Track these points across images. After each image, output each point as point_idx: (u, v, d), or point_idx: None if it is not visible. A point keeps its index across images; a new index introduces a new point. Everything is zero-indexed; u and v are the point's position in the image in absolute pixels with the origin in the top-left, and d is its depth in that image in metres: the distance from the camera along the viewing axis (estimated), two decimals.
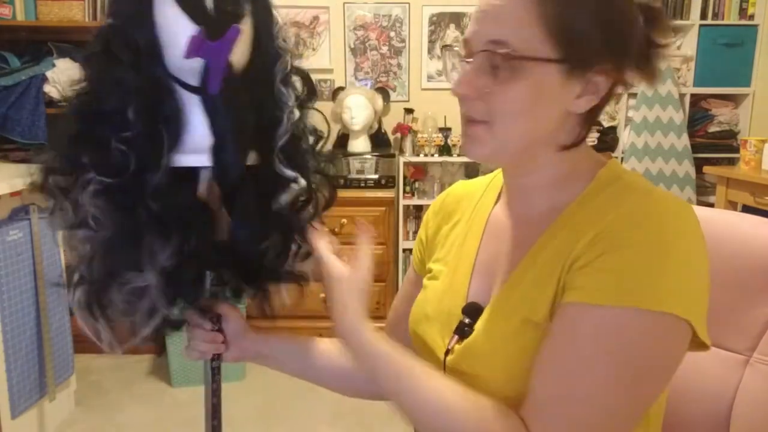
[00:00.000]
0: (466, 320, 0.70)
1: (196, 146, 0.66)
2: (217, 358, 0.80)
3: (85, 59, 0.68)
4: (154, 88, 0.64)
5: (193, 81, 0.64)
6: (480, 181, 0.86)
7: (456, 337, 0.71)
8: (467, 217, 0.82)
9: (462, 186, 0.89)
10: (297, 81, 0.75)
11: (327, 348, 0.87)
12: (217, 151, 0.66)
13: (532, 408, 0.60)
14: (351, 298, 0.69)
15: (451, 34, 3.14)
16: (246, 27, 0.66)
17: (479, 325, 0.69)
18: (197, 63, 0.63)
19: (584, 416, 0.58)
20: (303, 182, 0.72)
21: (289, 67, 0.71)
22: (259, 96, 0.69)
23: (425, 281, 0.83)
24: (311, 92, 0.77)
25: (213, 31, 0.63)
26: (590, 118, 0.68)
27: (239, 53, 0.66)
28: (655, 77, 0.68)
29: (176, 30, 0.63)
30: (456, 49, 0.70)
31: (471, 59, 0.65)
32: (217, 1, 0.65)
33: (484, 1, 0.64)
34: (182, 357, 2.40)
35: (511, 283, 0.68)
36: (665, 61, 0.71)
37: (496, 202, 0.80)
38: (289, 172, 0.71)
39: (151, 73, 0.64)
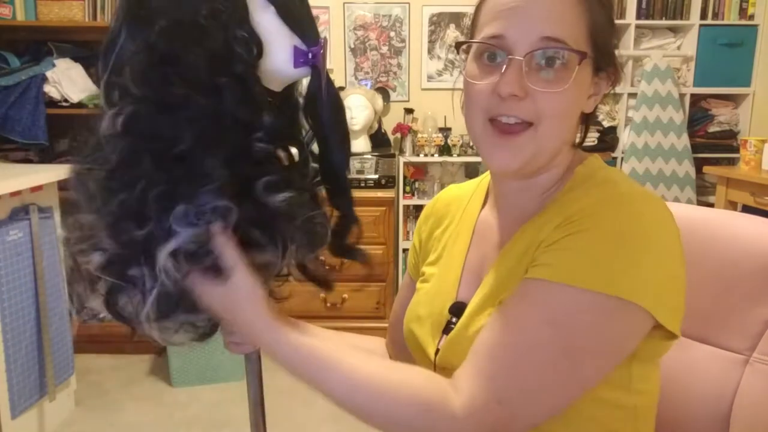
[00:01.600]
0: (453, 319, 0.72)
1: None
2: (255, 354, 0.78)
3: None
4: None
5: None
6: (469, 184, 0.87)
7: (444, 336, 0.72)
8: (457, 220, 0.82)
9: (451, 190, 0.89)
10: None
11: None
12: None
13: (463, 371, 0.59)
14: (249, 305, 0.59)
15: (451, 34, 3.14)
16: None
17: (461, 321, 0.70)
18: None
19: (513, 384, 0.57)
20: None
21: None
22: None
23: (418, 284, 0.84)
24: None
25: (310, 36, 0.63)
26: (589, 118, 0.72)
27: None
28: (621, 74, 0.72)
29: (278, 41, 0.62)
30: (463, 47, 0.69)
31: (513, 56, 0.62)
32: (306, 2, 0.65)
33: None
34: (182, 357, 2.41)
35: (488, 278, 0.70)
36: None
37: (483, 205, 0.80)
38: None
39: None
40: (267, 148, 0.61)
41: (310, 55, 0.63)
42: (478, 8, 0.68)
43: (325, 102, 0.66)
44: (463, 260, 0.77)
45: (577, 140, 0.72)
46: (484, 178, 0.84)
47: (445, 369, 0.70)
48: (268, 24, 0.61)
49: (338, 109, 0.68)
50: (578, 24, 0.63)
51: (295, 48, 0.62)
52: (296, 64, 0.62)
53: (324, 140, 0.68)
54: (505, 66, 0.62)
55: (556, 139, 0.66)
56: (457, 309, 0.72)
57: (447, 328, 0.72)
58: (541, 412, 0.59)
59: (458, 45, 0.71)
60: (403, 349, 0.84)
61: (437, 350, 0.73)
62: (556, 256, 0.60)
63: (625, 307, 0.57)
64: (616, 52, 0.69)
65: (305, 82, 0.68)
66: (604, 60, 0.66)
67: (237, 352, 0.75)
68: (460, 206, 0.84)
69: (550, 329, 0.57)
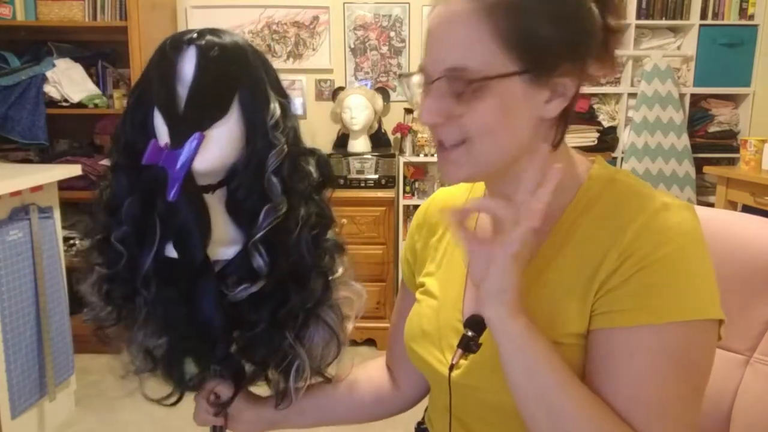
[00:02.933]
0: (470, 333, 0.68)
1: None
2: (219, 429, 0.85)
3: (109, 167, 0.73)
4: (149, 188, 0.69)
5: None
6: (460, 187, 0.84)
7: (459, 351, 0.68)
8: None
9: (443, 194, 0.87)
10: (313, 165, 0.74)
11: (337, 392, 0.87)
12: (181, 245, 0.70)
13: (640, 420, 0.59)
14: (497, 277, 0.60)
15: None
16: (226, 127, 0.67)
17: (487, 338, 0.67)
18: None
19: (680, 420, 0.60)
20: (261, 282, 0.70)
21: (280, 161, 0.69)
22: (249, 189, 0.70)
23: (418, 295, 0.81)
24: (326, 177, 0.76)
25: (177, 135, 0.65)
26: (564, 119, 0.67)
27: (211, 155, 0.66)
28: (616, 66, 0.68)
29: (160, 135, 0.67)
30: (414, 78, 0.67)
31: (426, 85, 0.63)
32: (189, 104, 0.65)
33: (433, 25, 0.63)
34: None
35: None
36: (622, 46, 0.70)
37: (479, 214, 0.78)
38: (260, 264, 0.69)
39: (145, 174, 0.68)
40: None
41: (158, 151, 0.65)
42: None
43: (173, 202, 0.67)
44: (465, 269, 0.75)
45: (551, 143, 0.67)
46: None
47: (466, 387, 0.69)
48: (155, 121, 0.69)
49: (195, 210, 0.70)
50: (485, 41, 0.59)
51: (152, 142, 0.65)
52: (145, 159, 0.64)
53: (179, 239, 0.70)
54: (422, 96, 0.65)
55: (497, 153, 0.64)
56: (475, 323, 0.68)
57: (463, 343, 0.68)
58: None
59: (401, 77, 0.73)
60: (406, 365, 0.82)
61: (451, 366, 0.69)
62: (647, 293, 0.60)
63: (712, 324, 0.61)
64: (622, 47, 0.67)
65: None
66: (545, 65, 0.61)
67: (202, 424, 0.84)
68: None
69: (681, 373, 0.60)
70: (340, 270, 0.80)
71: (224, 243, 0.72)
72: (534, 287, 0.66)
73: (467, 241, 0.63)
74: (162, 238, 0.69)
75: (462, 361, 0.69)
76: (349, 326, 0.82)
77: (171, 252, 0.70)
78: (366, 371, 0.92)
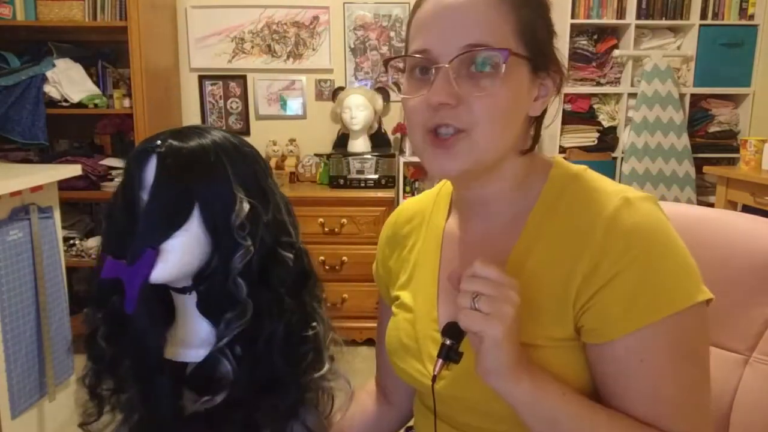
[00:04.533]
0: (448, 342, 0.64)
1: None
2: None
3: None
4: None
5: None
6: (427, 195, 0.84)
7: (440, 361, 0.64)
8: (423, 237, 0.79)
9: (410, 204, 0.86)
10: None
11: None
12: (139, 350, 0.70)
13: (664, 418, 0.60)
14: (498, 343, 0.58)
15: None
16: (186, 236, 0.66)
17: (468, 346, 0.64)
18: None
19: (700, 418, 0.62)
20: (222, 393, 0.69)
21: (245, 262, 0.68)
22: (219, 291, 0.68)
23: (394, 309, 0.80)
24: (305, 273, 0.75)
25: (132, 250, 0.65)
26: (539, 121, 0.70)
27: (168, 267, 0.66)
28: (565, 70, 0.70)
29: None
30: (400, 64, 0.68)
31: (439, 66, 0.62)
32: (144, 218, 0.65)
33: (443, 7, 0.62)
34: None
35: None
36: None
37: (447, 216, 0.78)
38: (227, 370, 0.68)
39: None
40: None
41: (114, 265, 0.66)
42: (409, 24, 0.68)
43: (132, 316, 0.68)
44: (436, 278, 0.74)
45: (530, 143, 0.69)
46: (443, 187, 0.81)
47: (452, 398, 0.68)
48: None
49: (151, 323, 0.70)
50: (503, 24, 0.62)
51: (108, 259, 0.67)
52: (102, 273, 0.66)
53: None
54: (433, 77, 0.62)
55: (494, 143, 0.64)
56: (453, 331, 0.64)
57: (443, 353, 0.64)
58: (711, 424, 0.63)
59: (386, 62, 0.71)
60: (395, 379, 0.80)
61: (434, 377, 0.65)
62: (632, 296, 0.60)
63: (703, 305, 0.62)
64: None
65: None
66: (541, 59, 0.65)
67: None
68: (424, 220, 0.80)
69: (688, 362, 0.61)
70: (326, 366, 0.76)
71: (197, 345, 0.71)
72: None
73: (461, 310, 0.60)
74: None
75: (445, 372, 0.67)
76: (337, 416, 0.80)
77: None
78: (358, 404, 0.90)
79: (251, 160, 0.72)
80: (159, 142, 0.66)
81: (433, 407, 0.71)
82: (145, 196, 0.66)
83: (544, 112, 0.69)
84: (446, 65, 0.61)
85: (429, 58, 0.63)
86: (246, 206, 0.67)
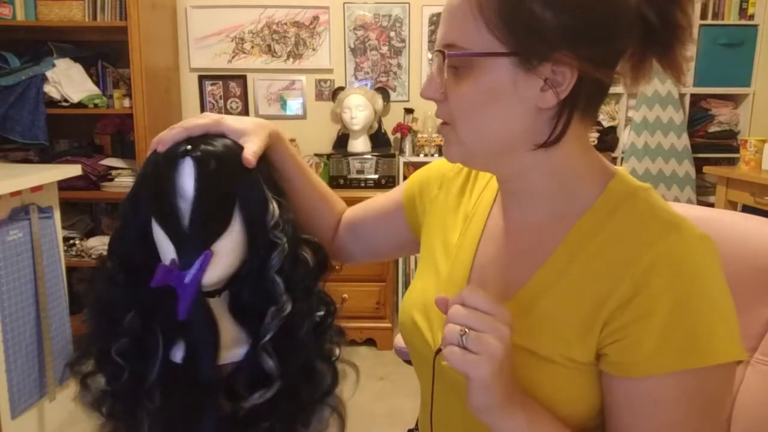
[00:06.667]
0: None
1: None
2: None
3: (94, 278, 0.72)
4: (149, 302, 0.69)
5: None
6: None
7: None
8: (473, 203, 0.78)
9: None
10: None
11: None
12: (189, 358, 0.69)
13: None
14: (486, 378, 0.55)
15: None
16: (230, 238, 0.67)
17: None
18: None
19: None
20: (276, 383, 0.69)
21: (282, 260, 0.69)
22: (253, 290, 0.69)
23: (424, 262, 0.80)
24: (323, 267, 0.76)
25: (185, 255, 0.65)
26: (566, 114, 0.61)
27: (219, 269, 0.66)
28: (647, 77, 0.64)
29: (164, 250, 0.67)
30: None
31: (432, 62, 0.65)
32: (194, 222, 0.65)
33: (444, 4, 0.64)
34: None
35: (519, 303, 0.64)
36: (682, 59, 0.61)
37: (494, 201, 0.77)
38: (271, 366, 0.68)
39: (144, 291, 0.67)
40: None
41: (167, 272, 0.65)
42: None
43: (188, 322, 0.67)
44: (471, 260, 0.73)
45: (547, 137, 0.62)
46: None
47: (445, 375, 0.68)
48: (156, 235, 0.68)
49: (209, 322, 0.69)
50: (476, 21, 0.58)
51: (160, 267, 0.65)
52: (154, 282, 0.64)
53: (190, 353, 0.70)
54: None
55: (477, 136, 0.63)
56: None
57: None
58: None
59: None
60: (355, 237, 0.91)
61: (439, 350, 0.64)
62: (665, 339, 0.57)
63: (731, 366, 0.59)
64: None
65: None
66: (536, 49, 0.57)
67: None
68: (478, 187, 0.79)
69: (703, 415, 0.59)
70: (338, 353, 0.78)
71: (230, 346, 0.71)
72: (542, 299, 0.64)
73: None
74: (165, 346, 0.69)
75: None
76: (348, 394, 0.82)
77: (176, 356, 0.70)
78: (335, 206, 1.00)
79: (266, 160, 0.73)
80: (190, 146, 0.66)
81: (431, 382, 0.71)
82: (182, 202, 0.65)
83: (577, 102, 0.60)
84: (430, 62, 0.65)
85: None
86: (275, 205, 0.69)
